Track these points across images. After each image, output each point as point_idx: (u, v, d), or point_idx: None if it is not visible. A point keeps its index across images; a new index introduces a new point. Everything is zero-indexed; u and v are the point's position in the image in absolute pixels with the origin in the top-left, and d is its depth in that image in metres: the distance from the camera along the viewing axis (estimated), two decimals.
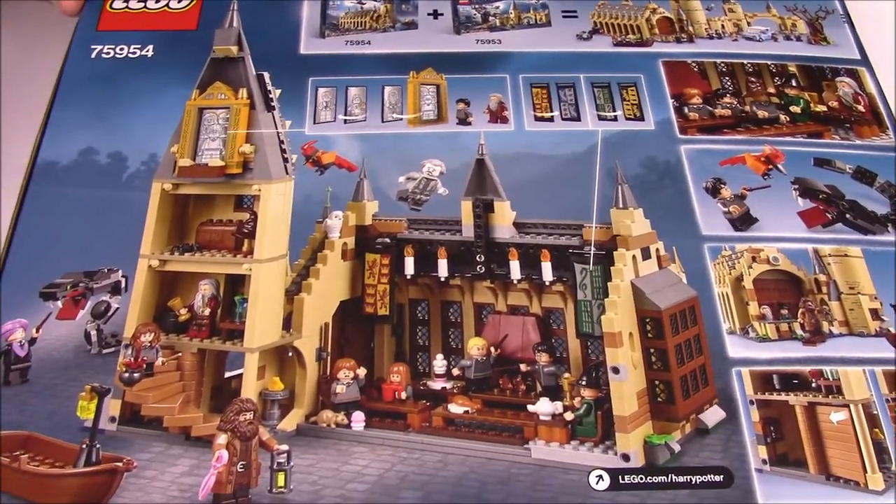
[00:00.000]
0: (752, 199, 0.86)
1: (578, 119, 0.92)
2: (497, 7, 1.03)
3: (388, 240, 0.87)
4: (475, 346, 0.83)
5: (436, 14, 1.02)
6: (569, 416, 0.76)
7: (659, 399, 0.77)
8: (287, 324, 0.82)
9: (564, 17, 1.03)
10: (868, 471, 0.71)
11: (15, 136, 0.97)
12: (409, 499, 0.67)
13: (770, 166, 0.88)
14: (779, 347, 0.79)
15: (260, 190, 0.83)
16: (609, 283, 0.78)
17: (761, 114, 0.94)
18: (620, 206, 0.82)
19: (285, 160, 0.85)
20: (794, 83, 0.97)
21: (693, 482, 0.69)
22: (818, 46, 1.01)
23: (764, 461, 0.71)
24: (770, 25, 1.03)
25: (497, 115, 0.92)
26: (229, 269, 0.83)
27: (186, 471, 0.70)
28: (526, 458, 0.74)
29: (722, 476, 0.70)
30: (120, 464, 0.69)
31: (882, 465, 0.71)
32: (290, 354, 0.82)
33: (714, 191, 0.86)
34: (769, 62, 0.99)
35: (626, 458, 0.72)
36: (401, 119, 0.92)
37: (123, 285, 0.81)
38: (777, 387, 0.77)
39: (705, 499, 0.68)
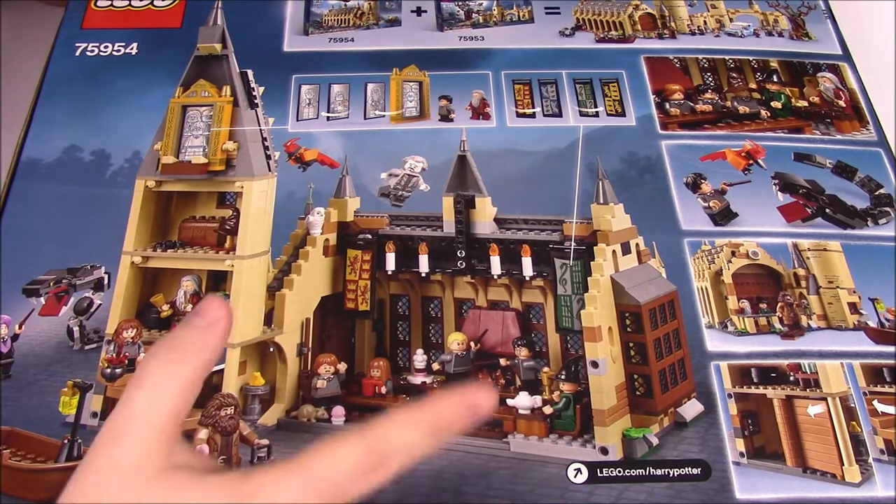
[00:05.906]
0: (733, 194, 0.86)
1: (560, 115, 0.92)
2: (480, 4, 1.03)
3: (369, 236, 0.87)
4: (455, 341, 0.83)
5: (419, 11, 1.02)
6: (548, 409, 0.76)
7: (637, 393, 0.77)
8: (268, 319, 0.82)
9: (547, 13, 1.03)
10: (845, 463, 0.72)
11: None
12: (389, 492, 0.67)
13: (750, 161, 0.89)
14: (757, 341, 0.79)
15: (242, 187, 0.83)
16: (589, 278, 0.79)
17: (742, 109, 0.94)
18: (601, 201, 0.82)
19: (268, 157, 0.86)
20: (775, 78, 0.97)
21: (671, 475, 0.70)
22: (800, 42, 1.01)
23: (741, 454, 0.72)
24: (752, 21, 1.03)
25: (479, 112, 0.92)
26: (211, 266, 0.83)
27: None
28: (505, 451, 0.74)
29: (700, 469, 0.70)
30: None
31: (859, 457, 0.72)
32: (272, 350, 0.82)
33: (694, 186, 0.86)
34: (751, 58, 0.99)
35: (604, 451, 0.72)
36: (383, 116, 0.92)
37: (106, 282, 0.81)
38: (755, 380, 0.77)
39: (683, 491, 0.68)
